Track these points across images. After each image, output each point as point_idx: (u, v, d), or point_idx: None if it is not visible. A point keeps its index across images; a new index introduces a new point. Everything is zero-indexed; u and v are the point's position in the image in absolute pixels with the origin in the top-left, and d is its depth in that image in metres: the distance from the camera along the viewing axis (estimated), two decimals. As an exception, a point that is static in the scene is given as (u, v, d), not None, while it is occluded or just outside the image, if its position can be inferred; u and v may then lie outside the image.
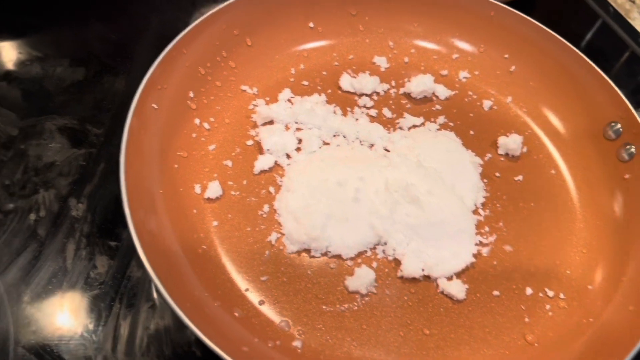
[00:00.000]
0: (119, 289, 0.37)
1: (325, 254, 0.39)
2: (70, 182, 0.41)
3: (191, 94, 0.44)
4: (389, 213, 0.40)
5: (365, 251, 0.40)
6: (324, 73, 0.49)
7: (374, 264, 0.39)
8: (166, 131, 0.41)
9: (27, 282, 0.37)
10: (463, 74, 0.50)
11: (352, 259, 0.39)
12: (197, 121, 0.44)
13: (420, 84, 0.48)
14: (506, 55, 0.50)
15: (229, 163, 0.43)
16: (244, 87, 0.47)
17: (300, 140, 0.44)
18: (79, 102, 0.46)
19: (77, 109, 0.45)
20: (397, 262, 0.39)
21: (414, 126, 0.47)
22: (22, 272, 0.37)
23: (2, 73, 0.47)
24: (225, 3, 0.45)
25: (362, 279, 0.38)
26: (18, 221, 0.39)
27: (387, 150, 0.44)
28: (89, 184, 0.41)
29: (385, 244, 0.40)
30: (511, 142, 0.45)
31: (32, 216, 0.39)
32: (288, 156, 0.44)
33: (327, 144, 0.44)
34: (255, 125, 0.45)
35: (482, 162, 0.45)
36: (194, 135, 0.43)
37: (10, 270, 0.37)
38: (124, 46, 0.50)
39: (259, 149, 0.44)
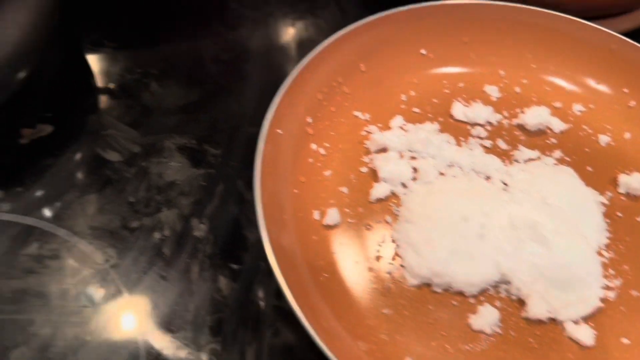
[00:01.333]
0: (243, 313, 0.37)
1: (447, 290, 0.39)
2: (192, 202, 0.42)
3: (309, 120, 0.44)
4: (514, 251, 0.39)
5: (488, 289, 0.39)
6: (435, 100, 0.49)
7: (498, 303, 0.38)
8: (288, 156, 0.41)
9: (155, 302, 0.37)
10: (577, 107, 0.49)
11: (474, 296, 0.39)
12: (313, 146, 0.44)
13: (535, 116, 0.47)
14: (625, 90, 0.49)
15: (345, 190, 0.43)
16: (356, 113, 0.47)
17: (415, 170, 0.44)
18: (196, 121, 0.46)
19: (195, 129, 0.46)
20: (521, 302, 0.38)
21: (530, 159, 0.46)
22: (150, 291, 0.37)
23: (120, 88, 0.48)
24: (344, 31, 0.45)
25: (486, 317, 0.37)
26: (144, 239, 0.40)
27: (505, 184, 0.43)
28: (209, 205, 0.42)
29: (509, 282, 0.39)
30: (633, 181, 0.44)
31: (157, 235, 0.40)
32: (404, 185, 0.43)
33: (443, 174, 0.44)
34: (368, 152, 0.45)
35: (604, 201, 0.43)
36: (310, 160, 0.43)
37: (138, 288, 0.37)
38: (236, 66, 0.51)
39: (373, 176, 0.44)
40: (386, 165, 0.43)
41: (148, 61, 0.50)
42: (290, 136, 0.42)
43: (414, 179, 0.43)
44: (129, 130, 0.45)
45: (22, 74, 0.41)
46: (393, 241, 0.41)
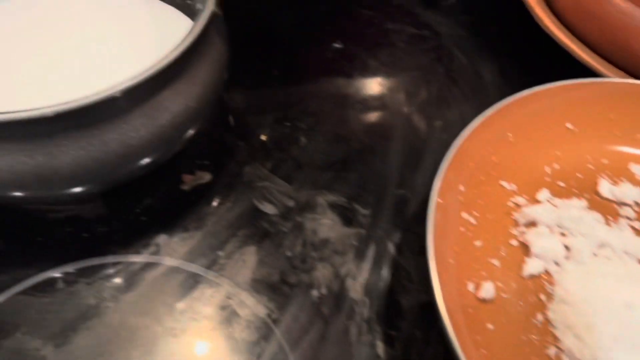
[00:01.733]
0: (404, 382, 0.37)
1: (608, 378, 0.38)
2: (346, 261, 0.42)
3: (462, 188, 0.44)
4: (681, 345, 0.38)
5: (652, 379, 0.38)
6: (579, 175, 0.49)
7: (663, 398, 0.37)
8: (444, 224, 0.42)
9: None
10: None
11: (638, 386, 0.38)
12: (464, 215, 0.44)
13: (690, 201, 0.46)
14: None
15: (496, 262, 0.43)
16: (502, 183, 0.47)
17: (567, 248, 0.44)
18: (344, 180, 0.47)
19: (344, 187, 0.47)
20: (688, 399, 0.37)
21: (683, 246, 0.45)
22: (312, 350, 0.38)
23: (271, 140, 0.50)
24: (504, 103, 0.46)
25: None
26: (302, 295, 0.40)
27: (660, 270, 0.43)
28: (362, 266, 0.42)
29: (675, 378, 0.38)
30: None
31: (315, 292, 0.41)
32: (556, 264, 0.43)
33: (595, 255, 0.43)
34: (516, 224, 0.45)
35: None
36: (462, 229, 0.44)
37: (300, 346, 0.38)
38: (380, 127, 0.52)
39: (524, 250, 0.44)
40: (539, 241, 0.43)
41: (296, 116, 0.51)
42: (447, 204, 0.42)
43: (567, 257, 0.43)
44: (282, 183, 0.46)
45: (191, 132, 0.42)
46: (548, 321, 0.40)
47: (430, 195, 0.39)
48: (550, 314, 0.40)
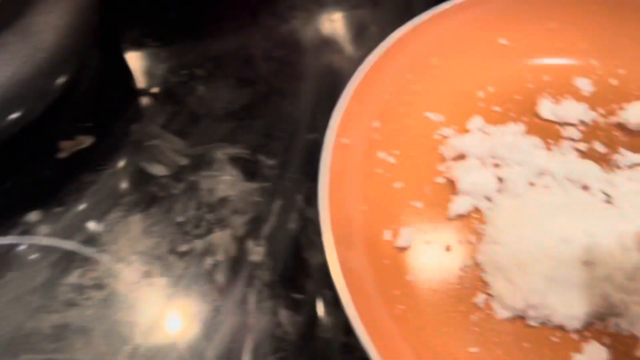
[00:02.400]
0: (309, 352, 0.33)
1: (544, 324, 0.33)
2: (246, 221, 0.37)
3: (376, 124, 0.39)
4: (627, 280, 0.33)
5: (594, 322, 0.33)
6: (517, 97, 0.43)
7: (606, 340, 0.32)
8: (354, 167, 0.36)
9: (209, 337, 0.33)
10: (688, 100, 0.42)
11: (578, 331, 0.33)
12: (381, 154, 0.39)
13: (638, 112, 0.40)
14: None
15: (419, 204, 0.37)
16: (428, 114, 0.41)
17: (500, 180, 0.38)
18: (249, 128, 0.42)
19: (247, 137, 0.41)
20: (635, 339, 0.32)
21: (636, 165, 0.39)
22: (204, 325, 0.33)
23: (164, 92, 0.44)
24: (412, 23, 0.40)
25: (592, 357, 0.32)
26: (195, 265, 0.35)
27: (608, 195, 0.37)
28: (266, 224, 0.37)
29: (621, 315, 0.33)
30: None
31: (209, 260, 0.36)
32: (488, 199, 0.37)
33: (533, 184, 0.38)
34: (443, 159, 0.40)
35: None
36: (379, 170, 0.38)
37: (192, 321, 0.33)
38: (290, 65, 0.46)
39: (451, 188, 0.38)
40: (467, 176, 0.37)
41: (194, 61, 0.45)
42: (357, 144, 0.37)
43: (500, 190, 0.38)
44: (175, 140, 0.41)
45: (59, 82, 0.37)
46: (477, 265, 0.35)
47: (326, 136, 0.34)
48: (479, 257, 0.35)
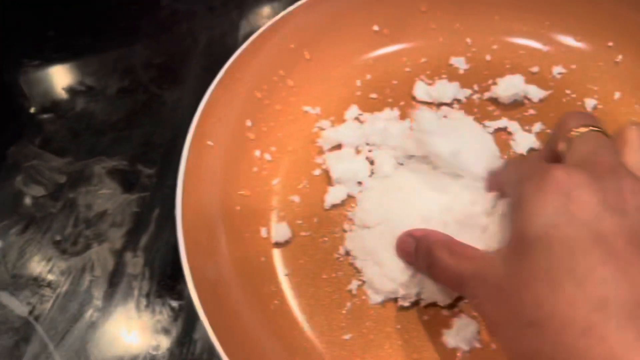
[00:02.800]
0: (187, 356, 0.33)
1: (416, 303, 0.34)
2: (124, 233, 0.37)
3: (249, 123, 0.39)
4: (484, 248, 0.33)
5: (464, 297, 0.34)
6: (395, 82, 0.43)
7: (475, 313, 0.33)
8: (225, 169, 0.37)
9: (86, 354, 0.33)
10: (557, 70, 0.43)
11: (449, 307, 0.33)
12: (257, 153, 0.39)
13: (509, 86, 0.41)
14: (610, 44, 0.42)
15: (296, 198, 0.38)
16: (306, 108, 0.42)
17: (372, 164, 0.38)
18: (128, 139, 0.42)
19: (126, 148, 0.41)
20: (503, 309, 0.33)
21: (507, 137, 0.40)
22: (79, 343, 0.33)
23: (42, 111, 0.43)
24: (279, 16, 0.40)
25: (462, 331, 0.32)
26: (72, 283, 0.35)
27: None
28: (145, 234, 0.37)
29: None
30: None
31: (87, 276, 0.36)
32: (359, 184, 0.38)
33: (401, 165, 0.38)
34: (321, 151, 0.40)
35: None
36: (255, 169, 0.38)
37: (66, 341, 0.33)
38: (170, 71, 0.45)
39: (327, 179, 0.38)
40: (339, 164, 0.38)
41: (73, 78, 0.45)
42: (225, 146, 0.37)
43: (370, 175, 0.38)
44: (54, 158, 0.41)
45: None
46: (348, 253, 0.35)
47: (186, 141, 0.34)
48: (349, 244, 0.36)
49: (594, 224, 0.21)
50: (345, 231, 0.36)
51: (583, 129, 0.26)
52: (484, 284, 0.24)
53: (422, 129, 0.35)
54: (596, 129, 0.27)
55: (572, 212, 0.22)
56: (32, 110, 0.43)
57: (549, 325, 0.21)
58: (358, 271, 0.35)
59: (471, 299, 0.26)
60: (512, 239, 0.24)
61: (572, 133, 0.27)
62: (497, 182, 0.32)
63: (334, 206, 0.37)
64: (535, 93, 0.42)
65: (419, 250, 0.29)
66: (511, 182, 0.27)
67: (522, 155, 0.39)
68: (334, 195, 0.37)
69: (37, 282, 0.35)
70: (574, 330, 0.20)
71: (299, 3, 0.41)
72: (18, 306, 0.34)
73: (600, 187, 0.22)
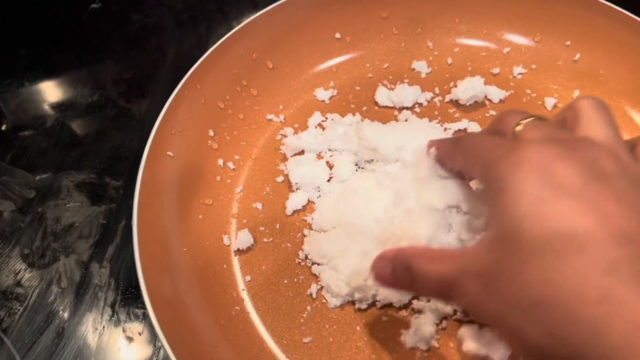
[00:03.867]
0: (149, 364, 0.33)
1: (373, 305, 0.34)
2: (91, 244, 0.38)
3: (211, 133, 0.40)
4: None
5: (419, 297, 0.34)
6: (357, 88, 0.44)
7: (433, 312, 0.34)
8: (186, 179, 0.37)
9: (51, 364, 0.33)
10: (518, 70, 0.44)
11: (406, 307, 0.34)
12: (220, 162, 0.39)
13: (468, 88, 0.42)
14: (568, 42, 0.43)
15: (259, 205, 0.38)
16: (269, 116, 0.42)
17: (331, 169, 0.39)
18: (97, 152, 0.42)
19: (94, 161, 0.42)
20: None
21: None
22: (45, 354, 0.34)
23: (12, 128, 0.44)
24: (240, 26, 0.41)
25: (420, 331, 0.33)
26: (39, 295, 0.36)
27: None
28: (111, 245, 0.38)
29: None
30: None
31: (54, 288, 0.36)
32: (318, 189, 0.38)
33: (361, 169, 0.39)
34: (285, 159, 0.41)
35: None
36: (218, 178, 0.39)
37: (33, 352, 0.34)
38: (139, 85, 0.46)
39: (289, 185, 0.39)
40: (298, 169, 0.39)
41: (43, 95, 0.46)
42: (186, 156, 0.38)
43: (329, 179, 0.39)
44: (23, 174, 0.41)
45: None
46: (306, 257, 0.36)
47: (144, 153, 0.34)
48: (306, 248, 0.36)
49: (582, 192, 0.20)
50: (305, 236, 0.37)
51: (527, 120, 0.26)
52: (474, 277, 0.22)
53: (365, 137, 0.36)
54: (539, 118, 0.26)
55: (556, 185, 0.21)
56: (4, 127, 0.44)
57: (558, 301, 0.19)
58: (317, 275, 0.35)
59: (464, 300, 0.23)
60: (494, 224, 0.22)
61: (518, 127, 0.26)
62: (449, 155, 0.30)
63: (295, 212, 0.38)
64: (496, 94, 0.42)
65: (396, 271, 0.26)
66: (476, 164, 0.25)
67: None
68: (294, 201, 0.38)
69: (5, 295, 0.36)
70: (589, 300, 0.18)
71: (259, 13, 0.42)
72: (-14, 320, 0.35)
73: (576, 158, 0.21)
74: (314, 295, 0.35)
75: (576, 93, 0.42)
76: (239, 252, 0.36)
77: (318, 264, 0.35)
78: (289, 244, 0.37)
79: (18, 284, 0.37)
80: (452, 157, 0.29)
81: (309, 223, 0.37)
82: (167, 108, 0.36)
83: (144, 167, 0.34)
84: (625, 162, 0.22)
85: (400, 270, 0.26)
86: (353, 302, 0.34)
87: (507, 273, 0.21)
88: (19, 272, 0.37)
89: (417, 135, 0.36)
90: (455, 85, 0.43)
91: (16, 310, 0.35)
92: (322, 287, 0.35)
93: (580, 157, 0.21)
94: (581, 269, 0.19)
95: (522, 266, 0.20)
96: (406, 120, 0.42)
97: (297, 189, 0.38)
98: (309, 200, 0.38)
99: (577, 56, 0.43)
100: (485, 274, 0.22)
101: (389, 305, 0.34)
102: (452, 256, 0.24)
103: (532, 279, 0.20)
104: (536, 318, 0.20)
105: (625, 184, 0.21)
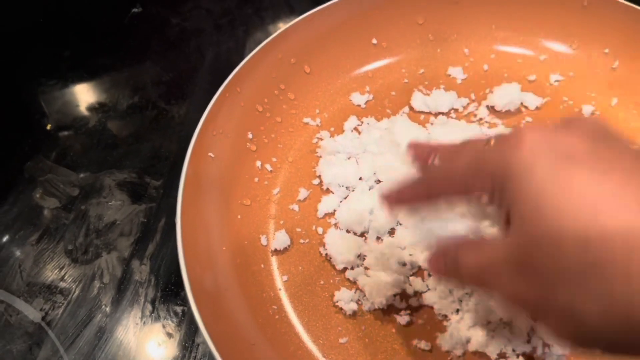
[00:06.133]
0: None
1: (409, 307, 0.34)
2: (132, 242, 0.39)
3: (250, 135, 0.40)
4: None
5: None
6: (393, 93, 0.44)
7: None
8: (226, 180, 0.38)
9: (94, 357, 0.34)
10: (555, 77, 0.44)
11: (442, 310, 0.34)
12: (258, 164, 0.40)
13: (504, 94, 0.42)
14: (606, 50, 0.43)
15: (296, 207, 0.39)
16: (306, 120, 0.43)
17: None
18: (137, 152, 0.44)
19: (135, 161, 0.43)
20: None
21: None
22: (88, 346, 0.35)
23: (57, 128, 0.46)
24: (279, 31, 0.41)
25: (456, 335, 0.33)
26: (82, 290, 0.37)
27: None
28: (151, 243, 0.39)
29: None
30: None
31: (96, 283, 0.37)
32: (349, 189, 0.39)
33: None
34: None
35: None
36: (256, 179, 0.40)
37: (76, 345, 0.35)
38: (178, 87, 0.47)
39: (325, 187, 0.40)
40: (329, 169, 0.39)
41: (87, 96, 0.47)
42: (226, 157, 0.38)
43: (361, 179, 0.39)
44: (67, 172, 0.43)
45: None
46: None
47: (188, 151, 0.35)
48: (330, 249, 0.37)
49: (595, 153, 0.20)
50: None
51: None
52: (512, 265, 0.22)
53: (394, 131, 0.37)
54: None
55: (568, 155, 0.21)
56: (48, 127, 0.45)
57: (612, 258, 0.18)
58: (354, 281, 0.36)
59: (506, 291, 0.22)
60: (515, 212, 0.21)
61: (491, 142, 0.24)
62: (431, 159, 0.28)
63: (326, 214, 0.38)
64: (533, 101, 0.42)
65: (447, 264, 0.26)
66: (475, 161, 0.24)
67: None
68: (326, 204, 0.38)
69: (50, 290, 0.37)
70: None
71: (298, 18, 0.43)
72: (32, 312, 0.36)
73: (571, 129, 0.22)
74: (355, 297, 0.35)
75: (614, 101, 0.42)
76: (276, 252, 0.37)
77: (351, 269, 0.36)
78: (323, 246, 0.37)
79: (62, 278, 0.38)
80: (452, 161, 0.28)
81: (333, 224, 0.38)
82: (209, 110, 0.37)
83: (187, 166, 0.35)
84: (612, 129, 0.22)
85: (450, 263, 0.26)
86: (389, 305, 0.35)
87: (545, 249, 0.20)
88: (63, 267, 0.38)
89: (447, 137, 0.37)
90: (491, 92, 0.43)
91: (60, 304, 0.37)
92: (359, 290, 0.35)
93: (574, 128, 0.22)
94: (626, 222, 0.18)
95: (560, 237, 0.19)
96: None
97: (327, 188, 0.39)
98: (339, 203, 0.39)
99: (616, 64, 0.42)
100: (521, 260, 0.21)
101: (426, 307, 0.34)
102: (490, 244, 0.24)
103: (574, 245, 0.19)
104: (590, 286, 0.19)
105: (621, 145, 0.21)
